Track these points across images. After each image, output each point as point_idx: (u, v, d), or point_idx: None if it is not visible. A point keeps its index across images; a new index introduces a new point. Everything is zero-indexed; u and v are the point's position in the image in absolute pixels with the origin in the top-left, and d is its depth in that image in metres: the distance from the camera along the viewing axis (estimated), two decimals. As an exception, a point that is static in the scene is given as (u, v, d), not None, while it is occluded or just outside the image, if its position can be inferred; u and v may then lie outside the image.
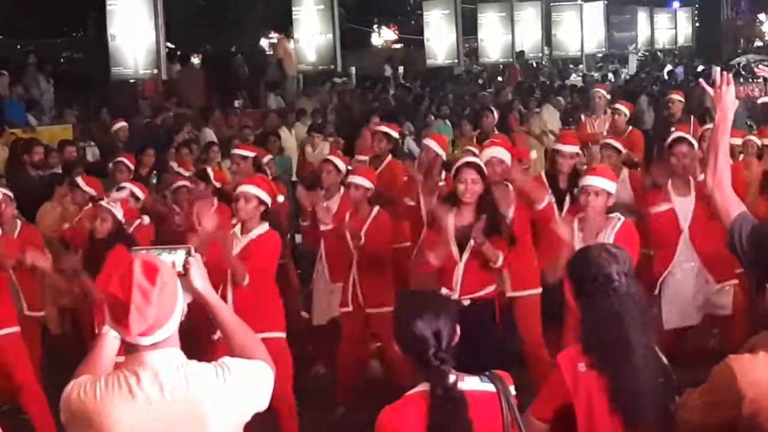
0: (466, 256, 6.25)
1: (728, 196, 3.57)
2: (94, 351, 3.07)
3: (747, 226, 3.36)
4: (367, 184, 7.18)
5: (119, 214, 6.62)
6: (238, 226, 6.26)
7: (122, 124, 12.80)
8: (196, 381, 2.83)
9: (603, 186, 6.00)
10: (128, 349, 2.85)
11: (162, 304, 2.79)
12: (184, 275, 3.00)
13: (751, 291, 3.08)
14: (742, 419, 2.91)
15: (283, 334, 6.25)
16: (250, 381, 2.93)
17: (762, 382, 2.90)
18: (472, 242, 6.20)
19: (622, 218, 5.96)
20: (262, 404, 2.99)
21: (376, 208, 7.17)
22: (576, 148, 7.87)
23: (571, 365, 3.64)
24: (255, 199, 6.19)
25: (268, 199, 6.24)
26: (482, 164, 6.51)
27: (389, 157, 9.31)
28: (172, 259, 3.02)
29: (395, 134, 9.60)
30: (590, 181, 6.05)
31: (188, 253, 3.05)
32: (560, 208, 7.42)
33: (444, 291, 6.03)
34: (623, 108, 11.03)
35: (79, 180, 8.52)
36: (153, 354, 2.82)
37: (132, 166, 9.55)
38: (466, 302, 6.18)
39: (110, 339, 3.04)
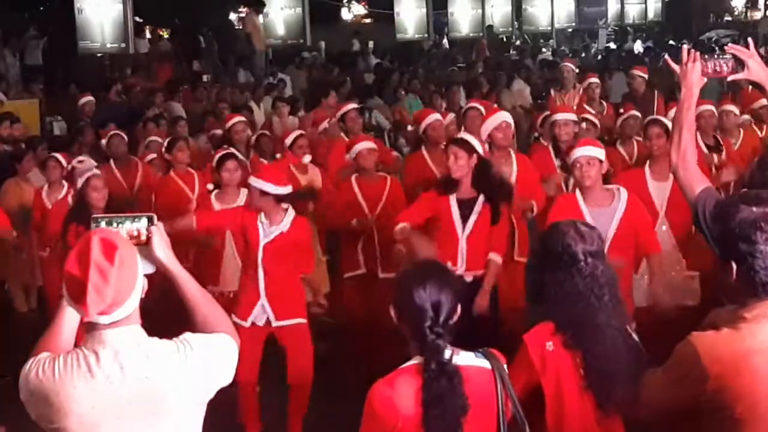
0: (468, 230, 6.11)
1: (692, 171, 3.54)
2: (54, 324, 3.00)
3: (711, 201, 3.33)
4: None
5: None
6: (262, 215, 5.97)
7: (89, 98, 12.71)
8: (157, 359, 2.80)
9: (593, 153, 5.79)
10: (88, 327, 2.80)
11: (121, 282, 2.73)
12: (146, 244, 2.95)
13: (716, 267, 3.06)
14: (706, 396, 2.88)
15: (305, 320, 6.16)
16: (212, 356, 2.89)
17: (725, 358, 2.87)
18: (474, 216, 6.07)
19: (621, 187, 5.82)
20: (226, 379, 2.95)
21: None
22: (573, 116, 7.79)
23: (538, 344, 3.62)
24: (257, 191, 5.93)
25: (272, 189, 5.89)
26: (470, 139, 6.26)
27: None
28: (135, 227, 2.95)
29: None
30: (579, 152, 5.83)
31: (150, 221, 2.98)
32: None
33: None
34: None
35: (59, 156, 8.47)
36: (113, 332, 2.77)
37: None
38: (469, 279, 6.04)
39: (70, 311, 2.96)
